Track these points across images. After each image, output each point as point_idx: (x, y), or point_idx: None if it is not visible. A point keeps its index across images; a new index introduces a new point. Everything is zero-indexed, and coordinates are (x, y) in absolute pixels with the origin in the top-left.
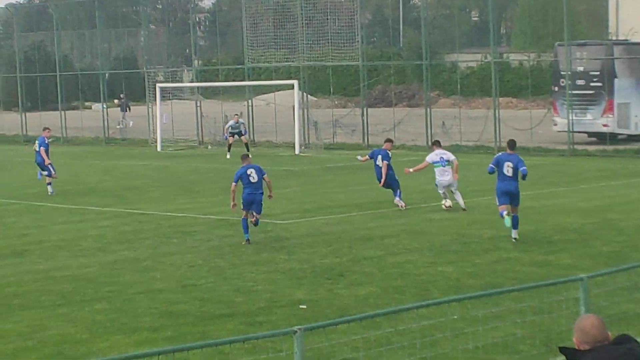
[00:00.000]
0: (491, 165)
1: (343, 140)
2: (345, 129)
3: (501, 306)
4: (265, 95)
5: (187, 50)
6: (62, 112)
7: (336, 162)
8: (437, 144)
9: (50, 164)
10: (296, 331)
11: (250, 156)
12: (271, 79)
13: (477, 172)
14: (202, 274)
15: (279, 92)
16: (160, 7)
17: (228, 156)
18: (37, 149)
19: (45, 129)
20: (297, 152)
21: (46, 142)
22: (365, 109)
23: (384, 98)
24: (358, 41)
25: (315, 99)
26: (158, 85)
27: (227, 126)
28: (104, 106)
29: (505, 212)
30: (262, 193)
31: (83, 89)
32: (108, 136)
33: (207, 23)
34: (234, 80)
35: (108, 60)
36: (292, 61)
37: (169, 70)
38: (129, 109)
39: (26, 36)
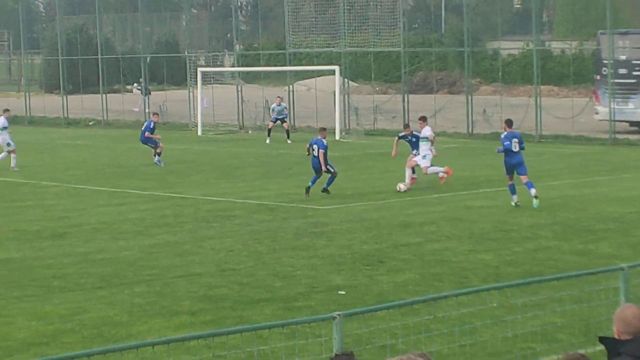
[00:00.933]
0: (506, 143)
1: (384, 127)
2: (386, 115)
3: (540, 295)
4: (306, 80)
5: (229, 35)
6: (103, 96)
7: (376, 148)
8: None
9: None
10: (335, 317)
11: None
12: (312, 65)
13: None
14: (241, 258)
15: (320, 77)
16: None
17: (268, 141)
18: None
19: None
20: (337, 137)
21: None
22: (406, 96)
23: (425, 84)
24: (400, 27)
25: (356, 84)
26: (199, 69)
27: (271, 108)
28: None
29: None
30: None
31: (124, 73)
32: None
33: (248, 7)
34: (275, 65)
35: (150, 44)
36: (334, 47)
37: (211, 54)
38: (150, 93)
39: (68, 19)
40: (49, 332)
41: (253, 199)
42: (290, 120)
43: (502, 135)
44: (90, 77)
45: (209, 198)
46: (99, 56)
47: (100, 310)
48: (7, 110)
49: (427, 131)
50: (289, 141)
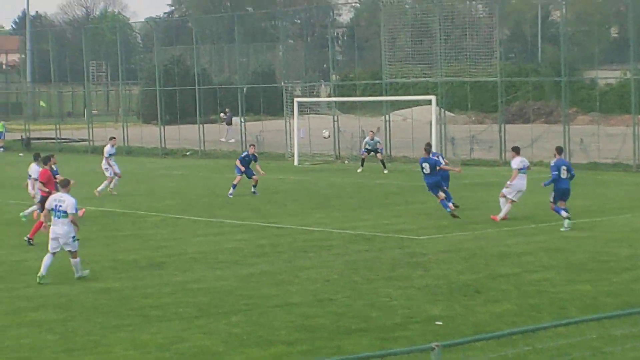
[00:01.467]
0: (554, 173)
1: (480, 157)
2: (483, 145)
3: None
4: (403, 110)
5: (325, 65)
6: (200, 126)
7: (473, 178)
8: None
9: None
10: (434, 347)
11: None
12: (408, 94)
13: (616, 189)
14: (337, 288)
15: (416, 107)
16: (299, 21)
17: (359, 170)
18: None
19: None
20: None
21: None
22: (502, 125)
23: (522, 114)
24: (496, 57)
25: (453, 114)
26: (296, 99)
27: (364, 142)
28: (242, 120)
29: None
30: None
31: (221, 103)
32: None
33: (344, 38)
34: (371, 95)
35: (246, 75)
36: (430, 76)
37: (307, 84)
38: (231, 124)
39: (166, 50)
40: None
41: (349, 229)
42: (386, 150)
43: (552, 163)
44: (187, 107)
45: (306, 228)
46: (196, 87)
47: (198, 340)
48: (113, 137)
49: (514, 163)
50: (385, 171)
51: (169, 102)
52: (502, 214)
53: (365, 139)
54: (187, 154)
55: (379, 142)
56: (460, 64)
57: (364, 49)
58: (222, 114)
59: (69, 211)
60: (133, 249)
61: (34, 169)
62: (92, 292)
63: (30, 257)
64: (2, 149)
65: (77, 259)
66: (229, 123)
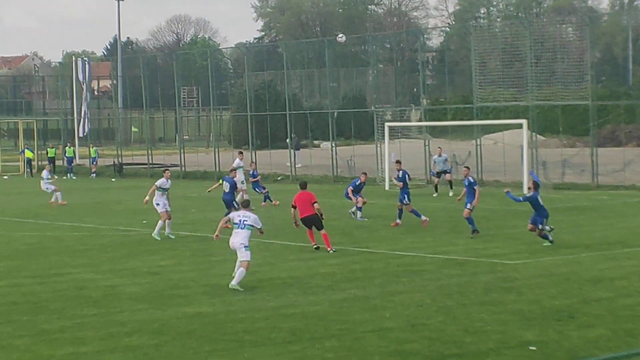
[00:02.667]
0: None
1: (572, 180)
2: (574, 168)
3: None
4: (494, 134)
5: (415, 89)
6: (292, 151)
7: (565, 202)
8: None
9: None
10: None
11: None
12: (499, 118)
13: None
14: (430, 313)
15: (507, 131)
16: (389, 46)
17: (435, 195)
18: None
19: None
20: (525, 191)
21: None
22: (594, 149)
23: (614, 137)
24: (587, 80)
25: (544, 138)
26: (386, 124)
27: (432, 160)
28: (333, 144)
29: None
30: None
31: (312, 128)
32: (337, 174)
33: (435, 62)
34: (462, 119)
35: (336, 99)
36: (521, 100)
37: (397, 109)
38: (299, 149)
39: (256, 75)
40: None
41: (442, 254)
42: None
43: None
44: (278, 132)
45: (398, 252)
46: (287, 112)
47: None
48: (241, 152)
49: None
50: (450, 193)
51: (259, 127)
52: None
53: (434, 157)
54: (279, 178)
55: (447, 159)
56: (551, 87)
57: (454, 72)
58: (288, 140)
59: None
60: (226, 274)
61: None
62: (186, 317)
63: (123, 283)
64: (94, 175)
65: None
66: (297, 148)
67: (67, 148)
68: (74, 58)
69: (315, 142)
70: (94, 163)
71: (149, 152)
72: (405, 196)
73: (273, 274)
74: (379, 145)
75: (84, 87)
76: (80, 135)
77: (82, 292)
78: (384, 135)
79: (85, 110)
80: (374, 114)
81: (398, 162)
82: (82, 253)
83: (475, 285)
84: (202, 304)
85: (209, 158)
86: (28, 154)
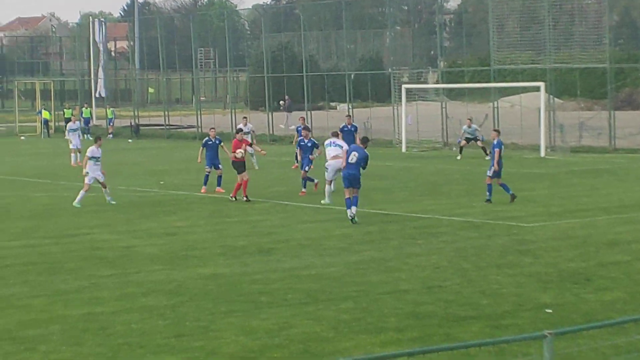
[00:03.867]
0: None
1: (589, 144)
2: (592, 132)
3: None
4: (511, 97)
5: (432, 52)
6: (309, 112)
7: (582, 165)
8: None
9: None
10: (546, 335)
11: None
12: (517, 81)
13: None
14: (447, 275)
15: (525, 94)
16: (406, 8)
17: (459, 157)
18: None
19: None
20: (542, 154)
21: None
22: (612, 112)
23: (631, 101)
24: (605, 43)
25: (561, 101)
26: (403, 86)
27: (462, 130)
28: (350, 106)
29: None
30: None
31: (328, 90)
32: None
33: (452, 24)
34: (479, 82)
35: (354, 61)
36: (538, 63)
37: (414, 71)
38: (291, 111)
39: (273, 37)
40: (256, 347)
41: (458, 216)
42: None
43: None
44: (295, 94)
45: (414, 215)
46: (304, 73)
47: (307, 326)
48: (245, 117)
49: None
50: (487, 157)
51: (276, 88)
52: None
53: (464, 127)
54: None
55: (477, 129)
56: (568, 51)
57: (471, 35)
58: (281, 102)
59: None
60: (242, 235)
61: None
62: (202, 278)
63: (139, 243)
64: (111, 136)
65: None
66: (289, 110)
67: (83, 109)
68: (91, 19)
69: (332, 104)
70: (111, 124)
71: (166, 113)
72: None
73: (288, 235)
74: (396, 107)
75: (101, 48)
76: (97, 96)
77: (98, 252)
78: (401, 98)
79: (101, 72)
80: (391, 76)
81: (496, 130)
82: (98, 214)
83: (491, 248)
84: (218, 265)
85: (226, 119)
86: (45, 114)
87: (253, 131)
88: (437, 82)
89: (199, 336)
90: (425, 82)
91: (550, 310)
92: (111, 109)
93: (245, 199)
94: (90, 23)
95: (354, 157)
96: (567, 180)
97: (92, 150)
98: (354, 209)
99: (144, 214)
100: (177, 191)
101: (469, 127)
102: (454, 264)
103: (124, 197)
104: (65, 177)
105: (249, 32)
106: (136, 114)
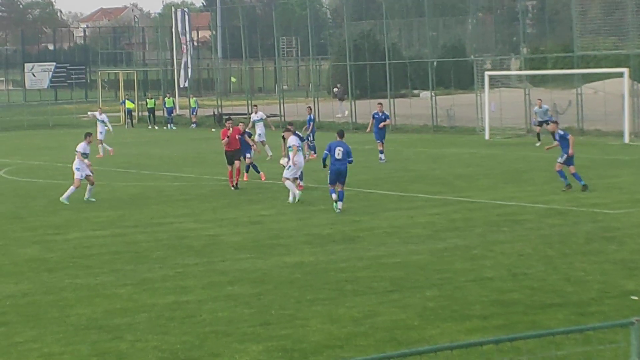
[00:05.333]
0: (325, 151)
1: None
2: None
3: None
4: (594, 83)
5: (515, 38)
6: (391, 100)
7: None
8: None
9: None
10: (634, 322)
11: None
12: (600, 67)
13: None
14: (531, 262)
15: (608, 80)
16: None
17: (537, 144)
18: None
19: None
20: (626, 141)
21: None
22: None
23: None
24: None
25: None
26: (486, 73)
27: (533, 111)
28: (433, 94)
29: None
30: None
31: (411, 77)
32: (436, 124)
33: (534, 11)
34: (562, 68)
35: (436, 49)
36: (622, 49)
37: (497, 57)
38: (343, 100)
39: (355, 25)
40: (342, 335)
41: (542, 203)
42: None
43: None
44: (378, 82)
45: (498, 202)
46: (386, 61)
47: (392, 314)
48: (255, 105)
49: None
50: (537, 144)
51: (359, 76)
52: None
53: (535, 108)
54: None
55: (548, 109)
56: None
57: (554, 21)
58: (335, 89)
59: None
60: (327, 223)
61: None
62: (287, 266)
63: (224, 232)
64: (194, 125)
65: None
66: (341, 99)
67: (166, 99)
68: (173, 9)
69: (415, 91)
70: (194, 113)
71: (249, 102)
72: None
73: (373, 223)
74: (478, 94)
75: (185, 37)
76: (181, 86)
77: (184, 241)
78: (483, 85)
79: (185, 61)
80: (474, 63)
81: (555, 122)
82: (183, 203)
83: (576, 235)
84: (303, 253)
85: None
86: (129, 104)
87: (266, 117)
88: (519, 69)
89: (284, 324)
90: (508, 69)
91: (636, 297)
92: (194, 98)
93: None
94: (173, 13)
95: (339, 152)
96: None
97: (82, 146)
98: (340, 204)
99: (229, 202)
100: (261, 180)
101: (540, 107)
102: (539, 251)
103: (208, 186)
104: (151, 166)
105: (330, 21)
106: (219, 103)
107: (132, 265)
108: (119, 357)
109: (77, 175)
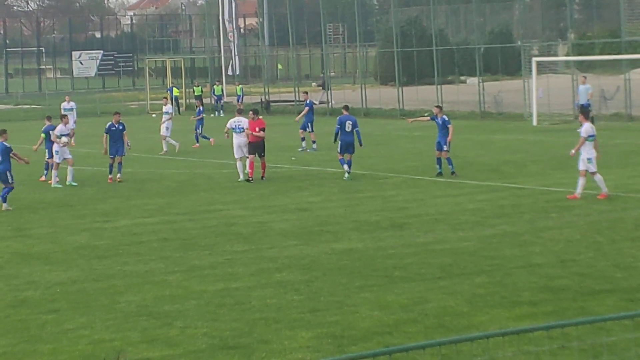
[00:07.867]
0: (337, 125)
1: None
2: None
3: None
4: None
5: (562, 24)
6: (438, 87)
7: None
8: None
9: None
10: None
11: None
12: None
13: None
14: (580, 249)
15: None
16: None
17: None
18: None
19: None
20: None
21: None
22: None
23: None
24: None
25: None
26: (534, 59)
27: (578, 90)
28: (480, 80)
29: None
30: None
31: (458, 64)
32: (484, 110)
33: None
34: (609, 54)
35: (483, 35)
36: None
37: (544, 43)
38: (329, 88)
39: (402, 11)
40: (391, 321)
41: (591, 189)
42: (626, 109)
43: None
44: (425, 68)
45: (546, 188)
46: (434, 47)
47: (441, 301)
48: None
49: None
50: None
51: (406, 63)
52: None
53: (579, 87)
54: (426, 115)
55: (589, 89)
56: None
57: (601, 7)
58: (313, 84)
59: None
60: (375, 210)
61: None
62: (336, 253)
63: (272, 219)
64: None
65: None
66: (322, 87)
67: (215, 86)
68: None
69: (462, 77)
70: (240, 101)
71: (296, 89)
72: None
73: (421, 210)
74: (526, 80)
75: (232, 25)
76: (230, 73)
77: (232, 228)
78: (531, 71)
79: (233, 49)
80: (521, 49)
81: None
82: (231, 190)
83: (625, 221)
84: (351, 240)
85: (355, 95)
86: (175, 92)
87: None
88: (567, 55)
89: (334, 311)
90: (555, 55)
91: None
92: (240, 85)
93: (250, 179)
94: (220, 1)
95: (349, 125)
96: None
97: (60, 128)
98: (346, 167)
99: (276, 189)
100: (308, 167)
101: (583, 84)
102: (588, 238)
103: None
104: (198, 153)
105: (377, 7)
106: (266, 90)
107: (181, 252)
108: (169, 343)
109: (56, 158)
